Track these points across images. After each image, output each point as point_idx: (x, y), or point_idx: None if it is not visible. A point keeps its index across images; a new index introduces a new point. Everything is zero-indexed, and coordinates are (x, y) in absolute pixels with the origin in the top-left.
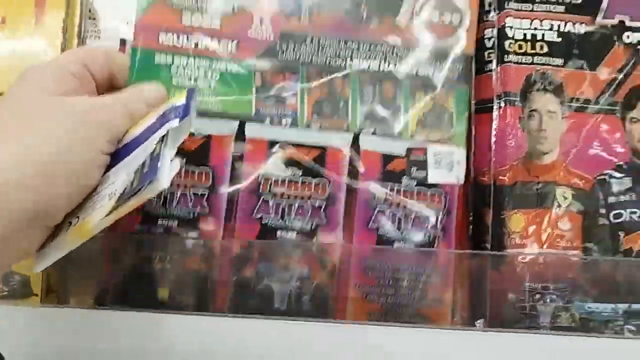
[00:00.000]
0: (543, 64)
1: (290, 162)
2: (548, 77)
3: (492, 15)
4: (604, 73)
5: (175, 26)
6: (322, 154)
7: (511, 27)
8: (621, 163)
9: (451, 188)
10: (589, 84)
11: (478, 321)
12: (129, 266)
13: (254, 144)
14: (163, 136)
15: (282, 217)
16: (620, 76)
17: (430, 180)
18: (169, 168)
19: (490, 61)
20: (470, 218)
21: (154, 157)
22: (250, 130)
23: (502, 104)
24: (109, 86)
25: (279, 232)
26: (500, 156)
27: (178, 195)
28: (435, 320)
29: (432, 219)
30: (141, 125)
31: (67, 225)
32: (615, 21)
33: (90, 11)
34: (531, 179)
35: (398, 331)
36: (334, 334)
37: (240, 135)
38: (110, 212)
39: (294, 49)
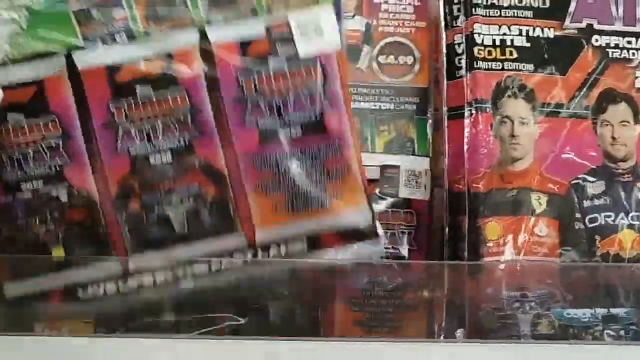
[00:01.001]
0: (513, 70)
1: (139, 81)
2: (519, 83)
3: (461, 21)
4: (574, 77)
5: None
6: (169, 60)
7: (479, 34)
8: (594, 167)
9: (326, 58)
10: (560, 88)
11: (458, 331)
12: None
13: (91, 75)
14: None
15: (150, 142)
16: (591, 79)
17: (302, 54)
18: None
19: (461, 67)
20: (447, 230)
21: None
22: (81, 60)
23: (474, 111)
24: None
25: (152, 159)
26: (473, 163)
27: (31, 153)
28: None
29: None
30: None
31: None
32: (583, 25)
33: None
34: (505, 186)
35: (375, 346)
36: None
37: (73, 70)
38: None
39: None
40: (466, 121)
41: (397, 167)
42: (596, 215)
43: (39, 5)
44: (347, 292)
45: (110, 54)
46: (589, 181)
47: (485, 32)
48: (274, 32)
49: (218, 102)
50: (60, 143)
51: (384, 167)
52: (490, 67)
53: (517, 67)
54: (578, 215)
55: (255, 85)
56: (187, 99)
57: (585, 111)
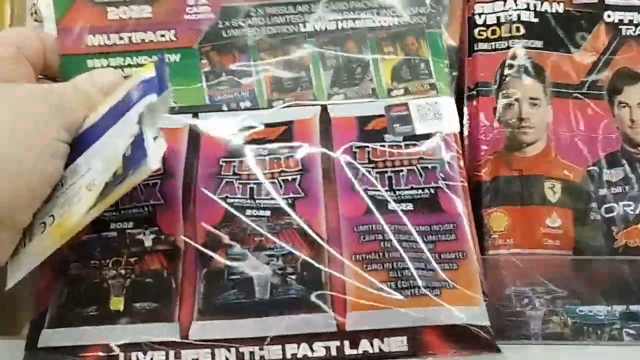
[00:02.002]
0: (520, 47)
1: (253, 142)
2: (527, 60)
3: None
4: (586, 56)
5: (102, 25)
6: (288, 129)
7: (481, 14)
8: (612, 151)
9: (446, 135)
10: (571, 67)
11: None
12: (72, 278)
13: (210, 137)
14: (140, 115)
15: (251, 197)
16: (604, 58)
17: (418, 131)
18: (156, 147)
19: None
20: None
21: (137, 139)
22: (205, 121)
23: (474, 95)
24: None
25: (248, 212)
26: (474, 151)
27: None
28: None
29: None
30: (102, 108)
31: (40, 226)
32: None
33: (35, 13)
34: (513, 173)
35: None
36: None
37: (194, 130)
38: (95, 204)
39: (238, 25)
40: (465, 107)
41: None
42: (614, 204)
43: (175, 61)
44: None
45: (233, 120)
46: (607, 167)
47: (488, 11)
48: (392, 111)
49: (329, 167)
50: (159, 182)
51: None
52: (493, 47)
53: (524, 45)
54: (594, 204)
55: (368, 155)
56: (299, 162)
57: (600, 92)
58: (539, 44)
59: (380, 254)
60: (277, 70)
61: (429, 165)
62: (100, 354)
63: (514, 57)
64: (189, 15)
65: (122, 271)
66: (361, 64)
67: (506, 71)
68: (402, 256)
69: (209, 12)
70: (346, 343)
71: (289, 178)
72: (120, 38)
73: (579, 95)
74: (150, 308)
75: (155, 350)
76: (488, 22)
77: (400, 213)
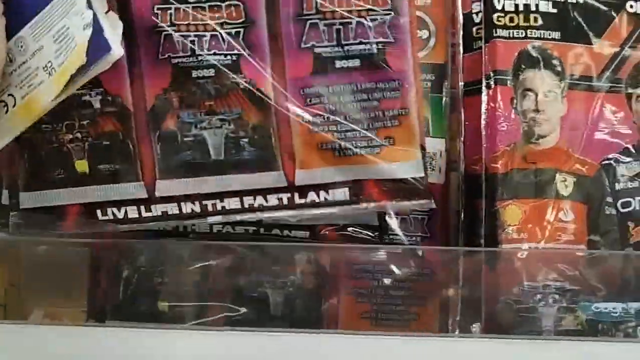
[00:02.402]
0: (537, 38)
1: None
2: (544, 52)
3: None
4: (606, 47)
5: None
6: None
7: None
8: (629, 146)
9: None
10: (590, 59)
11: (473, 326)
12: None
13: None
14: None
15: (194, 54)
16: (624, 50)
17: None
18: (114, 30)
19: (479, 38)
20: (462, 215)
21: (95, 27)
22: None
23: (492, 84)
24: None
25: (194, 72)
26: (491, 141)
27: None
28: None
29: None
30: None
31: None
32: None
33: None
34: (527, 166)
35: (386, 341)
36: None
37: None
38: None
39: None
40: (484, 95)
41: None
42: (630, 199)
43: None
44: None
45: None
46: (623, 162)
47: None
48: None
49: (275, 21)
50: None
51: None
52: (511, 35)
53: (542, 35)
54: (609, 199)
55: (317, 4)
56: (242, 12)
57: (618, 85)
58: (556, 35)
59: (325, 116)
60: None
61: (379, 18)
62: (78, 211)
63: (531, 48)
64: None
65: (78, 134)
66: None
67: (523, 61)
68: (345, 118)
69: None
70: (296, 195)
71: (233, 31)
72: None
73: (596, 89)
74: (114, 169)
75: (127, 206)
76: (507, 9)
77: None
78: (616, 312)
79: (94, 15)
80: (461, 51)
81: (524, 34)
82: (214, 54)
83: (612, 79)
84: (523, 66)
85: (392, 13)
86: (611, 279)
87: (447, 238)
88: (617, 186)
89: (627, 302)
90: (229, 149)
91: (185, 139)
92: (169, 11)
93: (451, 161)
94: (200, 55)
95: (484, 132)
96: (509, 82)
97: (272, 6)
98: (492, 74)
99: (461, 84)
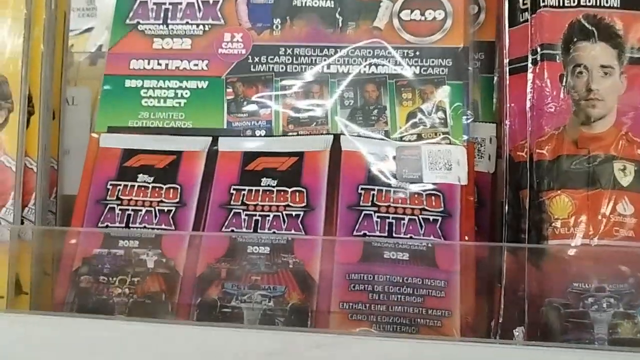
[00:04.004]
0: (592, 6)
1: (264, 173)
2: (599, 22)
3: None
4: None
5: (146, 52)
6: (299, 160)
7: None
8: None
9: (450, 188)
10: None
11: (516, 331)
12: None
13: (226, 158)
14: None
15: (255, 230)
16: None
17: (426, 180)
18: None
19: (526, 9)
20: (506, 207)
21: None
22: (223, 144)
23: (539, 60)
24: None
25: (249, 248)
26: (537, 124)
27: (143, 212)
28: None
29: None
30: None
31: None
32: None
33: None
34: (579, 152)
35: (410, 344)
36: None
37: (213, 151)
38: None
39: (266, 61)
40: (529, 73)
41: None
42: None
43: (202, 87)
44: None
45: (248, 144)
46: None
47: None
48: (403, 153)
49: (333, 206)
50: (173, 210)
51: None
52: (561, 3)
53: (597, 2)
54: None
55: (372, 198)
56: (305, 197)
57: None
58: (615, 1)
59: (367, 305)
60: (296, 105)
61: (431, 218)
62: None
63: (585, 18)
64: (223, 50)
65: (127, 290)
66: (378, 106)
67: (575, 33)
68: (387, 309)
69: (241, 48)
70: None
71: (293, 214)
72: (159, 64)
73: None
74: None
75: None
76: None
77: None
78: None
79: None
80: (506, 25)
81: (576, 2)
82: (273, 232)
83: None
84: (575, 39)
85: (445, 214)
86: None
87: (493, 233)
88: None
89: None
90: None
91: (224, 309)
92: (242, 192)
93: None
94: (261, 232)
95: (529, 114)
96: (558, 57)
97: (332, 195)
98: (538, 49)
99: (506, 61)
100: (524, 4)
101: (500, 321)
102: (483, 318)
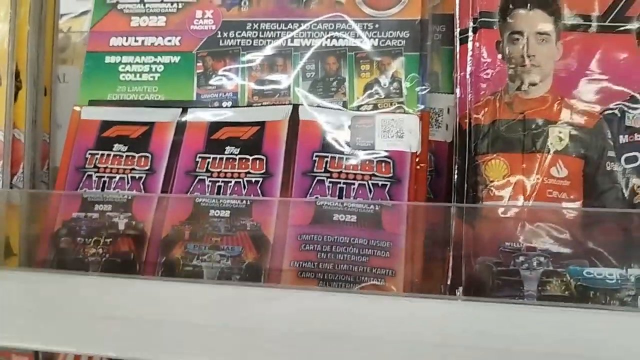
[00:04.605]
0: None
1: (228, 142)
2: None
3: None
4: None
5: (124, 30)
6: (260, 129)
7: None
8: (636, 94)
9: (400, 155)
10: None
11: (458, 290)
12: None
13: (194, 128)
14: None
15: (217, 195)
16: None
17: (377, 148)
18: None
19: None
20: (455, 173)
21: None
22: (192, 115)
23: (478, 28)
24: None
25: (212, 212)
26: (475, 90)
27: (116, 179)
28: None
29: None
30: None
31: None
32: None
33: None
34: (515, 116)
35: (357, 299)
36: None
37: (182, 122)
38: None
39: (234, 36)
40: (469, 41)
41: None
42: (636, 153)
43: (174, 62)
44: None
45: (215, 115)
46: (628, 111)
47: None
48: (357, 123)
49: (289, 173)
50: (144, 177)
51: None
52: None
53: None
54: (611, 153)
55: (326, 165)
56: (265, 165)
57: (627, 24)
58: None
59: (316, 263)
60: (261, 78)
61: (380, 183)
62: None
63: None
64: (194, 26)
65: (100, 250)
66: (338, 78)
67: (511, 1)
68: (333, 267)
69: (212, 24)
70: None
71: (253, 180)
72: (136, 40)
73: (599, 29)
74: None
75: None
76: None
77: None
78: (612, 279)
79: None
80: None
81: None
82: (233, 198)
83: (620, 19)
84: (511, 6)
85: (393, 180)
86: (608, 242)
87: (450, 200)
88: (622, 139)
89: (627, 268)
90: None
91: (185, 268)
92: (207, 160)
93: None
94: (223, 198)
95: (468, 81)
96: (495, 25)
97: (289, 163)
98: (478, 17)
99: (457, 31)
100: None
101: (448, 283)
102: (432, 279)
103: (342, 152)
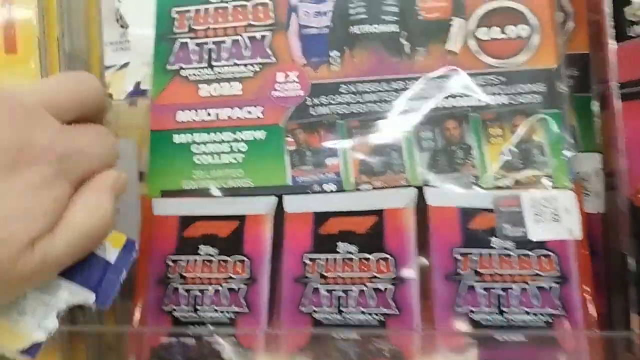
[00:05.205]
0: None
1: (342, 237)
2: None
3: None
4: None
5: (193, 101)
6: (379, 219)
7: None
8: None
9: (562, 245)
10: None
11: None
12: None
13: (295, 220)
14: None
15: (339, 309)
16: None
17: (532, 237)
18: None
19: (638, 22)
20: (631, 262)
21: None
22: (290, 204)
23: (632, 94)
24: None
25: (336, 333)
26: (635, 165)
27: (211, 292)
28: None
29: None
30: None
31: None
32: None
33: (120, 18)
34: None
35: None
36: None
37: (279, 212)
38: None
39: (327, 102)
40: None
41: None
42: None
43: (260, 139)
44: None
45: (319, 203)
46: None
47: None
48: (500, 206)
49: (426, 275)
50: (245, 288)
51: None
52: None
53: None
54: None
55: (473, 265)
56: (392, 266)
57: None
58: None
59: None
60: (366, 152)
61: (546, 285)
62: None
63: None
64: (278, 92)
65: None
66: (462, 146)
67: None
68: None
69: (298, 89)
70: None
71: (382, 287)
72: (208, 114)
73: None
74: None
75: None
76: None
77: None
78: None
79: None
80: (611, 40)
81: None
82: (360, 312)
83: None
84: None
85: (561, 280)
86: None
87: (611, 291)
88: None
89: None
90: None
91: None
92: (318, 261)
93: (611, 182)
94: (346, 311)
95: (625, 155)
96: None
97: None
98: (630, 83)
99: (614, 83)
100: (634, 16)
101: None
102: None
103: (489, 246)
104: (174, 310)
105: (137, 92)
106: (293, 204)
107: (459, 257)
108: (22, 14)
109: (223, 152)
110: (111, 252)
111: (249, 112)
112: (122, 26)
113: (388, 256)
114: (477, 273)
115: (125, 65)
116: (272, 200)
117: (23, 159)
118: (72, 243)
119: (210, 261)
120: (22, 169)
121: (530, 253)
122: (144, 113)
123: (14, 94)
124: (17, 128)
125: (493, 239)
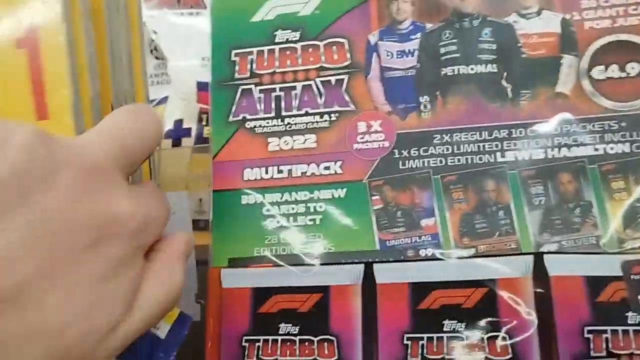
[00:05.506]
0: None
1: (445, 313)
2: None
3: None
4: None
5: (261, 156)
6: (489, 292)
7: None
8: None
9: None
10: None
11: None
12: None
13: (388, 293)
14: None
15: None
16: None
17: None
18: None
19: None
20: None
21: None
22: (381, 273)
23: None
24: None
25: None
26: None
27: None
28: None
29: None
30: None
31: None
32: None
33: (155, 49)
34: None
35: None
36: None
37: (369, 283)
38: None
39: (418, 154)
40: None
41: None
42: None
43: (339, 197)
44: None
45: (415, 272)
46: None
47: None
48: (633, 273)
49: (551, 357)
50: None
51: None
52: None
53: None
54: None
55: (606, 344)
56: (510, 347)
57: None
58: None
59: None
60: (468, 211)
61: None
62: None
63: None
64: (359, 145)
65: None
66: (580, 203)
67: None
68: None
69: (383, 140)
70: None
71: None
72: (279, 171)
73: None
74: None
75: None
76: None
77: None
78: None
79: None
80: None
81: None
82: None
83: None
84: None
85: None
86: None
87: None
88: None
89: None
90: None
91: None
92: (420, 342)
93: None
94: None
95: None
96: None
97: (547, 340)
98: None
99: None
100: None
101: None
102: None
103: (623, 323)
104: None
105: (180, 131)
106: (385, 273)
107: (589, 335)
108: None
109: (298, 214)
110: (162, 327)
111: (326, 168)
112: (156, 57)
113: (504, 335)
114: (610, 354)
115: (164, 100)
116: (359, 268)
117: (105, 236)
118: (147, 321)
119: (292, 342)
120: (102, 247)
121: None
122: (187, 154)
123: (82, 149)
124: (95, 199)
125: (629, 313)
